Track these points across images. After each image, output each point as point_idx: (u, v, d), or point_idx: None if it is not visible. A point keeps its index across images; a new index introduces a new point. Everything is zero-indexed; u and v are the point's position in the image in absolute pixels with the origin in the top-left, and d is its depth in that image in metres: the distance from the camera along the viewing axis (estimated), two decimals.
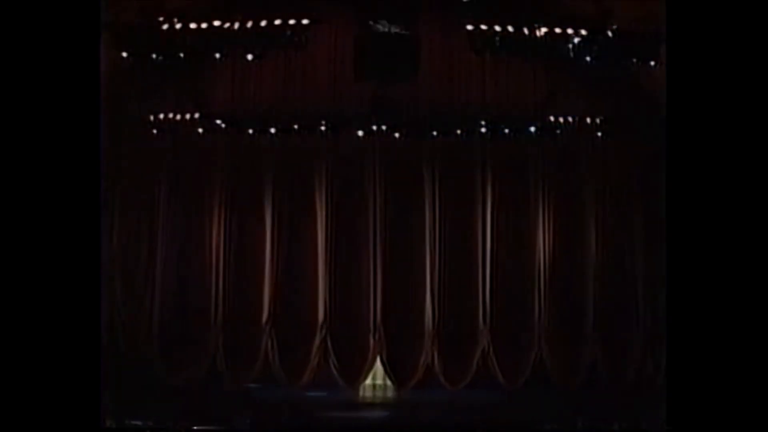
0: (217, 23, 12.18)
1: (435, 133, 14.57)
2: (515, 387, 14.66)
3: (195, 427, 10.99)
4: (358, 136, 14.48)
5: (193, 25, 12.16)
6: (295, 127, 14.29)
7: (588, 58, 12.49)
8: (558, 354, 14.75)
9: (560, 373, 14.70)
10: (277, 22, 12.30)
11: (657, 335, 14.08)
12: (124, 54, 12.28)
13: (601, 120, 14.49)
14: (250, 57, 12.76)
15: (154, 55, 12.47)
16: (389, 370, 14.83)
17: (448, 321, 14.91)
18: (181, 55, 12.42)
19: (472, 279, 15.02)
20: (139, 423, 10.90)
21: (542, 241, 15.02)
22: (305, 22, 12.43)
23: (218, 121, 14.29)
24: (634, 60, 12.61)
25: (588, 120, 14.50)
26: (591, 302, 14.85)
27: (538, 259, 14.99)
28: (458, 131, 14.54)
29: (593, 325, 14.78)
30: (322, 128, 14.30)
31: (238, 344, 14.79)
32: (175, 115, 14.41)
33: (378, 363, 15.04)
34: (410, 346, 14.83)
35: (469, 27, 12.63)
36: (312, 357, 14.67)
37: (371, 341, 14.75)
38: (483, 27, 12.47)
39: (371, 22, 13.72)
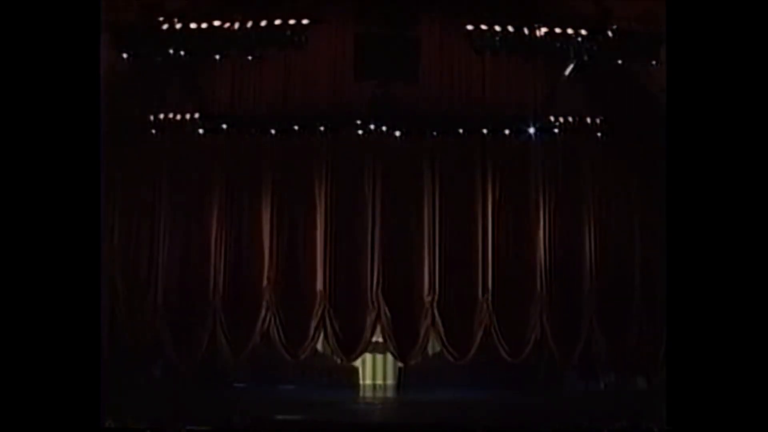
0: (217, 23, 12.18)
1: (435, 132, 14.59)
2: (519, 360, 14.77)
3: (194, 427, 10.98)
4: (358, 136, 14.48)
5: (193, 25, 12.16)
6: (295, 127, 14.30)
7: (588, 58, 12.49)
8: (557, 324, 14.77)
9: (560, 343, 14.72)
10: (277, 22, 12.30)
11: (655, 336, 14.14)
12: (124, 54, 12.28)
13: (601, 120, 14.50)
14: (250, 57, 12.75)
15: (154, 55, 12.47)
16: (390, 343, 14.84)
17: (447, 293, 14.93)
18: (181, 54, 12.42)
19: (472, 275, 15.04)
20: (139, 423, 10.87)
21: (542, 240, 15.02)
22: (305, 22, 12.44)
23: (218, 121, 14.30)
24: (634, 60, 12.61)
25: (588, 120, 14.51)
26: (590, 300, 14.86)
27: (538, 259, 14.99)
28: (458, 131, 14.55)
29: (592, 319, 14.81)
30: (322, 128, 14.32)
31: (237, 318, 14.79)
32: (175, 115, 14.43)
33: (379, 359, 15.22)
34: (410, 318, 14.86)
35: (469, 27, 12.63)
36: (311, 330, 14.71)
37: (370, 312, 14.78)
38: (483, 27, 12.46)
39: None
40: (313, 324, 14.73)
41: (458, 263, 15.05)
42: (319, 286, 14.85)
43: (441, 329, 14.79)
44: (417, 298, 15.00)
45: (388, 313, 14.76)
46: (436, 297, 14.86)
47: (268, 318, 14.72)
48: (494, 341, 14.76)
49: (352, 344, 14.83)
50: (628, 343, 14.69)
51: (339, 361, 15.22)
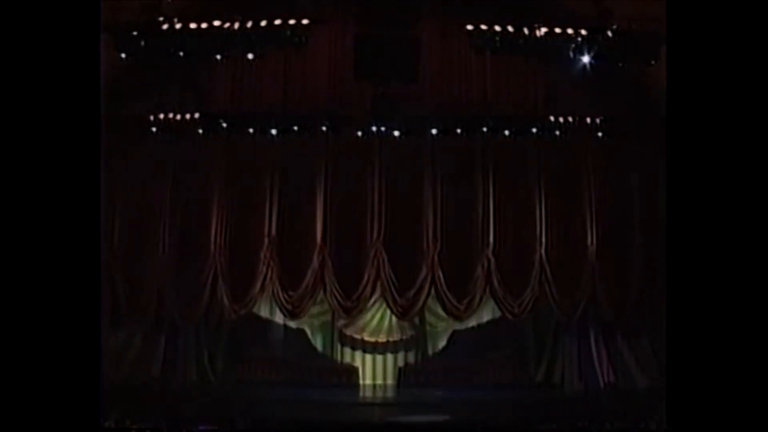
0: (217, 23, 12.17)
1: (435, 132, 14.57)
2: (520, 319, 14.96)
3: (195, 427, 10.98)
4: (358, 136, 14.47)
5: (193, 25, 12.14)
6: (295, 127, 14.30)
7: (588, 58, 12.48)
8: (559, 281, 14.88)
9: (562, 303, 14.84)
10: (277, 22, 12.29)
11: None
12: (124, 55, 12.27)
13: (601, 120, 14.49)
14: (250, 57, 12.75)
15: (154, 55, 12.45)
16: (389, 299, 14.86)
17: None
18: (181, 55, 12.41)
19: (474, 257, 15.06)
20: (139, 423, 10.88)
21: (541, 240, 15.01)
22: (305, 22, 12.42)
23: (218, 121, 14.30)
24: (634, 60, 12.60)
25: (588, 120, 14.50)
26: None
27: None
28: (458, 131, 14.54)
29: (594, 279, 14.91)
30: (322, 128, 14.31)
31: (238, 276, 14.86)
32: (175, 115, 14.41)
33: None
34: (411, 273, 14.87)
35: (469, 27, 12.63)
36: (310, 289, 14.81)
37: (369, 267, 14.82)
38: (483, 27, 12.46)
39: None
40: (313, 280, 14.74)
41: (459, 263, 15.03)
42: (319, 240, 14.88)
43: (442, 284, 14.79)
44: (418, 253, 14.98)
45: (389, 267, 14.77)
46: (438, 252, 14.87)
47: (268, 275, 14.74)
48: (497, 299, 14.87)
49: (352, 300, 14.84)
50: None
51: (342, 318, 15.32)
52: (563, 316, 14.98)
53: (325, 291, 14.83)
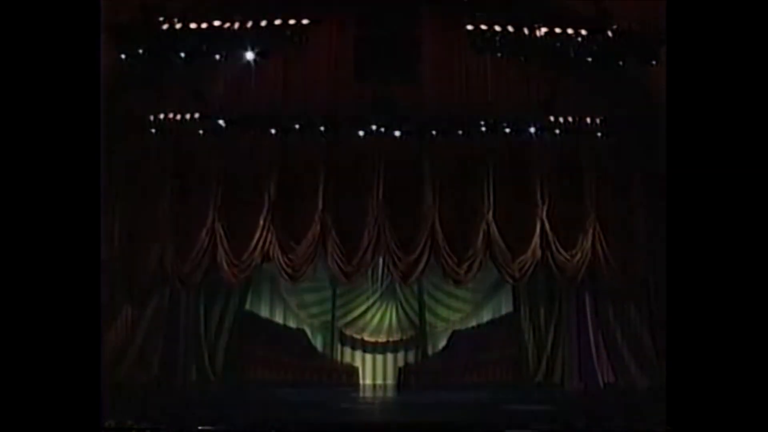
0: (217, 23, 12.17)
1: (435, 133, 14.56)
2: (521, 283, 15.08)
3: (195, 427, 10.99)
4: (358, 136, 14.47)
5: (193, 25, 12.15)
6: (296, 127, 14.30)
7: (588, 58, 12.48)
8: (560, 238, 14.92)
9: (563, 266, 14.87)
10: (277, 22, 12.29)
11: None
12: (124, 54, 12.27)
13: (601, 120, 14.49)
14: (250, 57, 12.75)
15: (154, 55, 12.46)
16: (390, 268, 14.91)
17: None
18: (181, 55, 12.41)
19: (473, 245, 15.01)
20: (139, 423, 10.89)
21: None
22: (305, 22, 12.43)
23: (218, 121, 14.30)
24: (634, 60, 12.60)
25: (588, 120, 14.50)
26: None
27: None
28: (458, 131, 14.53)
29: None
30: (322, 128, 14.30)
31: (237, 239, 14.82)
32: (175, 115, 14.41)
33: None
34: (411, 236, 14.88)
35: (469, 27, 12.63)
36: (311, 253, 14.79)
37: (370, 230, 14.81)
38: (483, 27, 12.46)
39: None
40: (314, 244, 14.73)
41: (460, 227, 15.06)
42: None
43: (442, 248, 14.78)
44: (419, 217, 14.97)
45: (389, 231, 14.77)
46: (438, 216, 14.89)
47: (268, 238, 14.72)
48: (497, 263, 14.88)
49: (353, 264, 14.82)
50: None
51: (342, 284, 15.35)
52: (564, 282, 14.96)
53: (325, 255, 14.79)
